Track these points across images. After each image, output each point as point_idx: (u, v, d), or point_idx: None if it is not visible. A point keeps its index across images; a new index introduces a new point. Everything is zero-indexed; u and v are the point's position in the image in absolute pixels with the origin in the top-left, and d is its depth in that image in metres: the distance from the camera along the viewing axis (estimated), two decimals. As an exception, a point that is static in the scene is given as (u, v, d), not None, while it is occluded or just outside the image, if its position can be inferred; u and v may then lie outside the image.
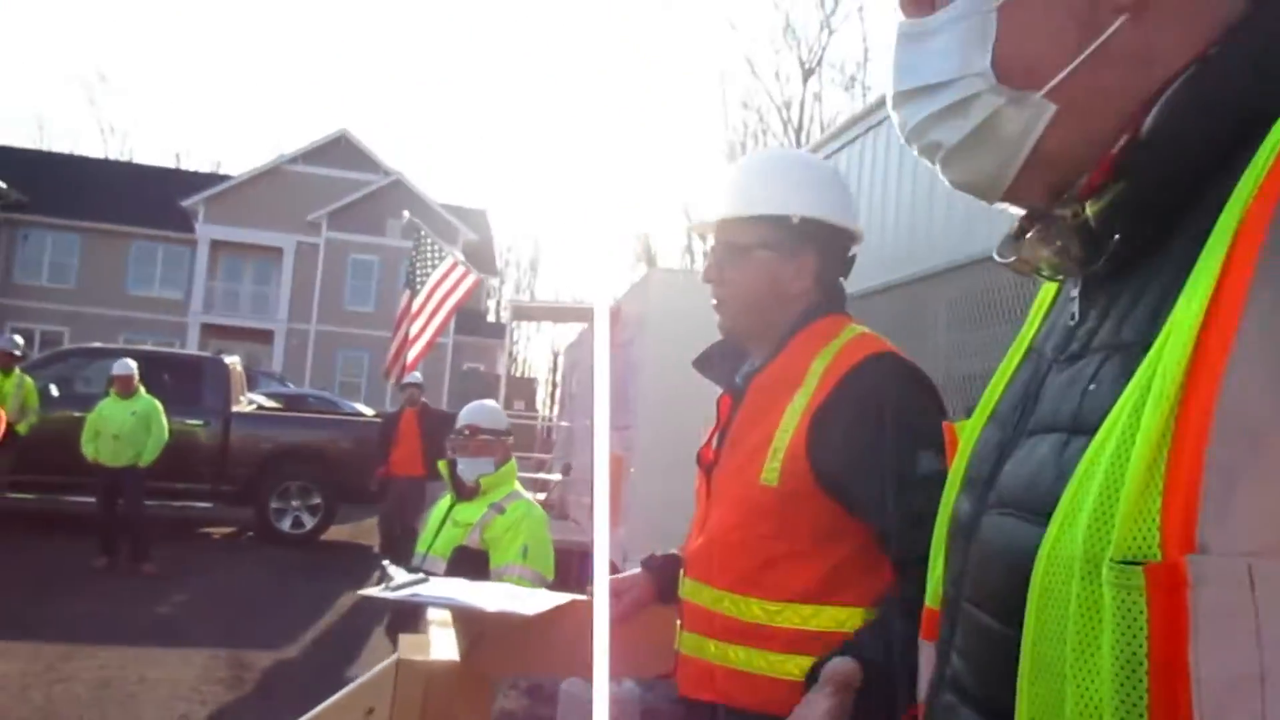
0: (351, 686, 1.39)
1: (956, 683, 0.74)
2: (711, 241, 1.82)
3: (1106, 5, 0.68)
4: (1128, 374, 0.59)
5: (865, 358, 1.61)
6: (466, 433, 3.86)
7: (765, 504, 1.59)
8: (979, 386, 2.55)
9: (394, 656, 1.39)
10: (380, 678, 1.36)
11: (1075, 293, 0.73)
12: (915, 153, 0.78)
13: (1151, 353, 0.57)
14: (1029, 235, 0.77)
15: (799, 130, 30.12)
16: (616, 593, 1.87)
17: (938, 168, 0.76)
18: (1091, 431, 0.60)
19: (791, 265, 1.70)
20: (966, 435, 0.85)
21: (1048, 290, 0.86)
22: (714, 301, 1.78)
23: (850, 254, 1.81)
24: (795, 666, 1.54)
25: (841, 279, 1.82)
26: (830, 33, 38.16)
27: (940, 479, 1.40)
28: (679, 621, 1.74)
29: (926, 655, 0.86)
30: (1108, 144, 0.68)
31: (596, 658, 1.64)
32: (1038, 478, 0.65)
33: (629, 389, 9.67)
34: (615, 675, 1.77)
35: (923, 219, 2.98)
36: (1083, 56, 0.68)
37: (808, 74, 30.83)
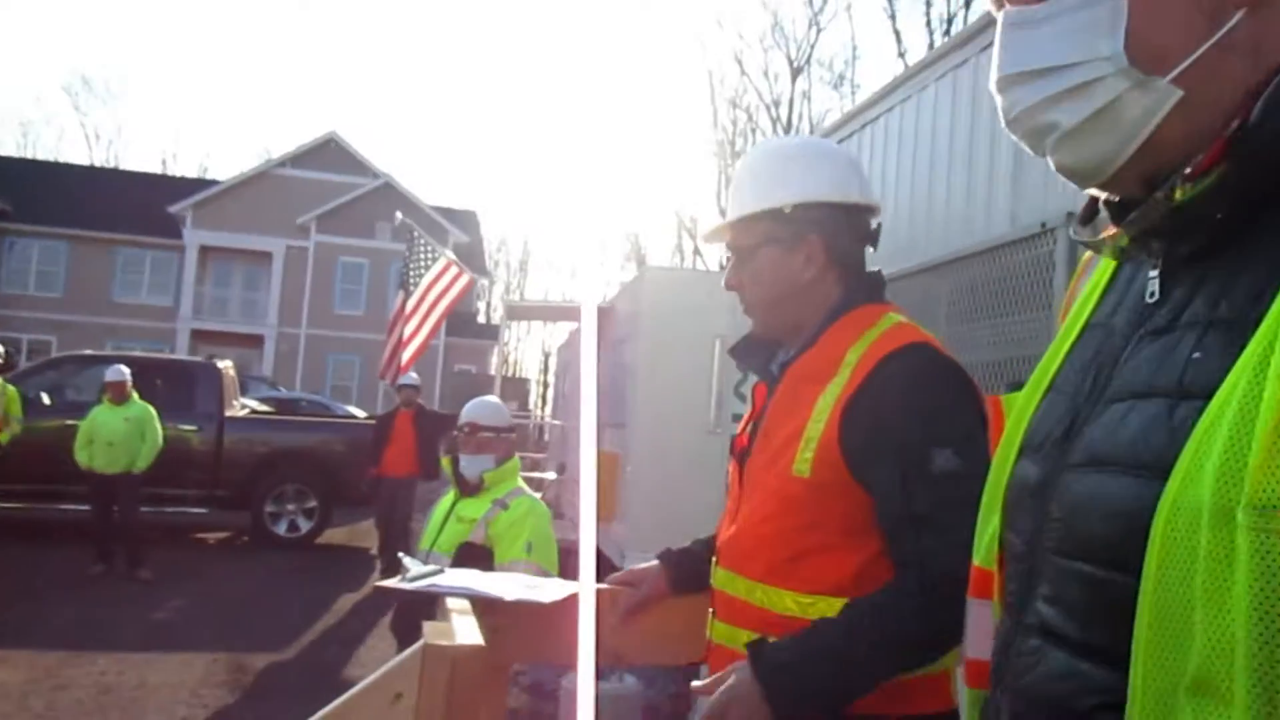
0: (379, 673, 1.42)
1: (1044, 628, 0.78)
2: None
3: (1231, 1, 0.72)
4: (1236, 344, 0.65)
5: (898, 348, 1.58)
6: (466, 430, 3.88)
7: (797, 495, 1.58)
8: (980, 377, 2.59)
9: (421, 642, 1.42)
10: (407, 663, 1.39)
11: (1154, 273, 0.78)
12: (1018, 135, 0.82)
13: (1266, 324, 0.63)
14: (1105, 218, 0.83)
15: (788, 128, 30.20)
16: (633, 582, 1.91)
17: (1048, 148, 0.80)
18: (1201, 396, 0.65)
19: (799, 255, 1.69)
20: (1020, 406, 0.90)
21: (1103, 271, 0.90)
22: (742, 308, 1.78)
23: (871, 225, 1.77)
24: None
25: (869, 250, 1.78)
26: (819, 30, 38.33)
27: (957, 478, 1.46)
28: (711, 610, 1.75)
29: (982, 613, 0.92)
30: (1216, 130, 0.72)
31: (581, 654, 1.66)
32: (1146, 438, 0.70)
33: (623, 387, 9.69)
34: (636, 662, 1.78)
35: (921, 212, 3.01)
36: (1208, 45, 0.72)
37: (796, 72, 30.95)
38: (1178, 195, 0.73)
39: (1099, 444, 0.75)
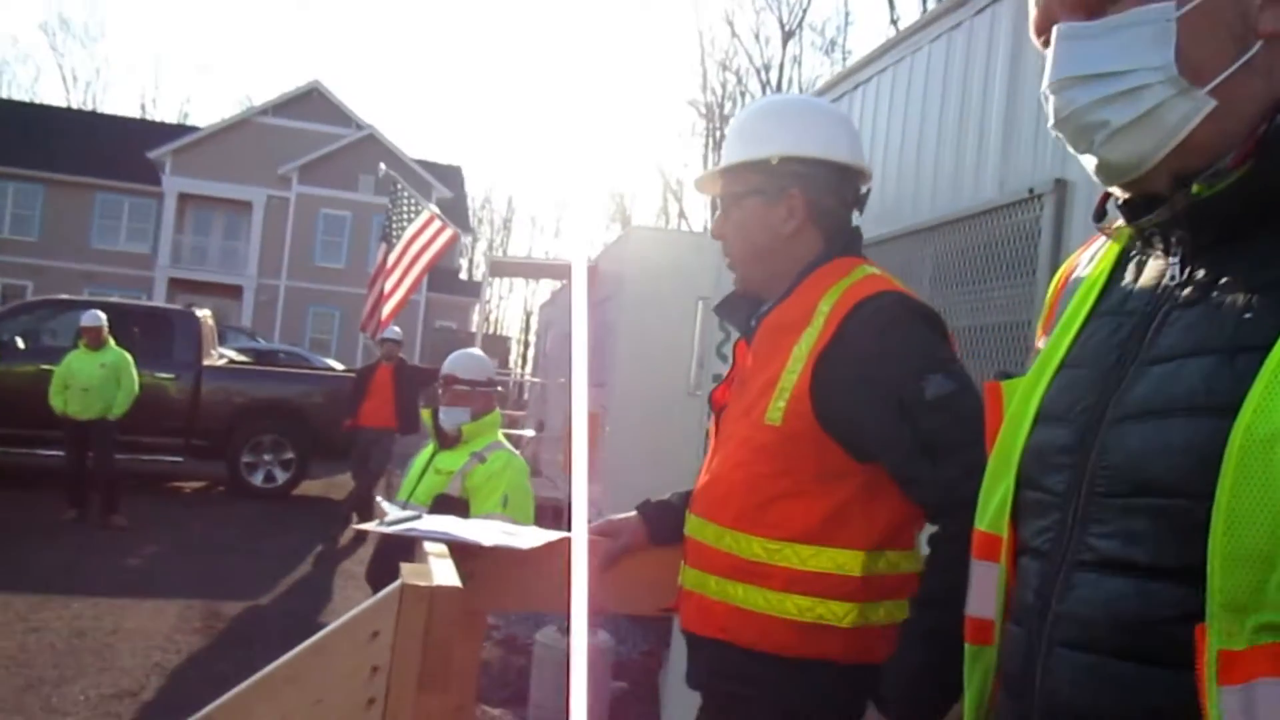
0: (356, 610, 1.42)
1: (1104, 561, 0.89)
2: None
3: (1254, 30, 0.88)
4: None
5: (868, 295, 1.62)
6: (443, 382, 3.88)
7: (768, 443, 1.62)
8: (965, 343, 2.60)
9: (399, 581, 1.43)
10: (385, 602, 1.40)
11: (1175, 259, 0.93)
12: (1067, 132, 0.94)
13: None
14: (1113, 215, 1.00)
15: (778, 91, 29.98)
16: (612, 533, 1.92)
17: (1095, 144, 0.92)
18: (1260, 348, 0.79)
19: (781, 207, 1.72)
20: (1026, 386, 1.04)
21: (1098, 274, 1.05)
22: (726, 260, 1.82)
23: (861, 190, 1.80)
24: (793, 605, 1.58)
25: (855, 213, 1.80)
26: (810, -5, 37.86)
27: (952, 399, 1.52)
28: (683, 557, 1.78)
29: (986, 573, 1.05)
30: (1241, 136, 0.88)
31: (574, 607, 1.68)
32: (1208, 386, 0.83)
33: (604, 347, 9.70)
34: (612, 611, 1.82)
35: (909, 176, 3.01)
36: (1238, 64, 0.88)
37: (787, 36, 30.65)
38: (1196, 190, 0.88)
39: (1151, 398, 0.88)
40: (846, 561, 1.57)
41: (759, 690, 1.61)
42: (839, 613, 1.56)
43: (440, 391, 3.91)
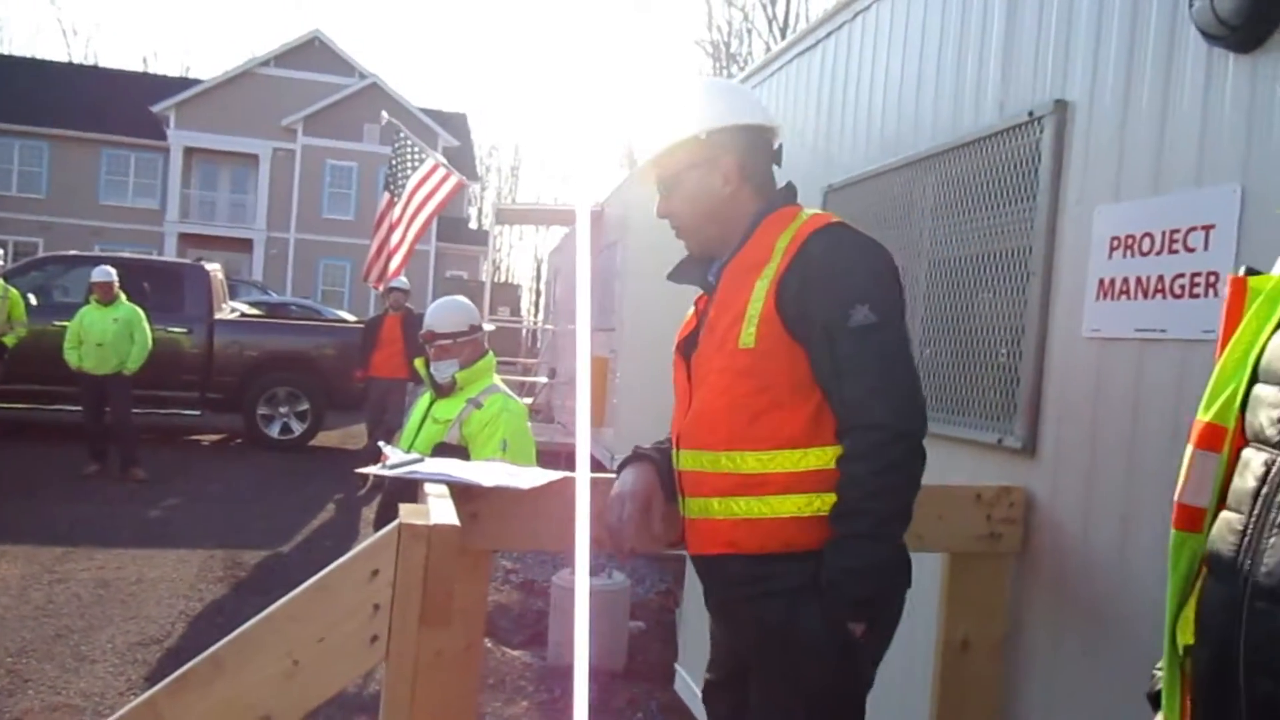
0: (354, 551, 1.44)
1: None
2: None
3: None
4: None
5: (819, 228, 1.86)
6: (425, 337, 3.84)
7: (745, 365, 1.81)
8: (969, 271, 2.58)
9: (396, 521, 1.44)
10: (384, 541, 1.41)
11: None
12: None
13: None
14: None
15: (785, 29, 29.42)
16: (644, 502, 1.93)
17: None
18: None
19: (717, 175, 1.94)
20: (1276, 285, 1.07)
21: None
22: (674, 233, 2.03)
23: (775, 145, 2.03)
24: (792, 504, 1.77)
25: (775, 167, 2.03)
26: (816, -75, 36.94)
27: (873, 330, 1.73)
28: (680, 492, 1.93)
29: (1207, 463, 1.08)
30: None
31: (578, 550, 1.72)
32: None
33: (612, 291, 9.67)
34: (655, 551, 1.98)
35: (909, 104, 2.95)
36: None
37: (792, -32, 29.94)
38: None
39: None
40: (834, 456, 1.77)
41: (767, 586, 1.78)
42: (834, 502, 1.76)
43: (425, 347, 3.87)
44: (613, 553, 1.89)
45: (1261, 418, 1.02)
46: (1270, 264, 1.15)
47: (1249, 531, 0.98)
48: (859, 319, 1.73)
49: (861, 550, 1.70)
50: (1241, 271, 1.12)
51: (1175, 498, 1.11)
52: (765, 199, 1.97)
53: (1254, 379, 1.04)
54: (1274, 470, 0.98)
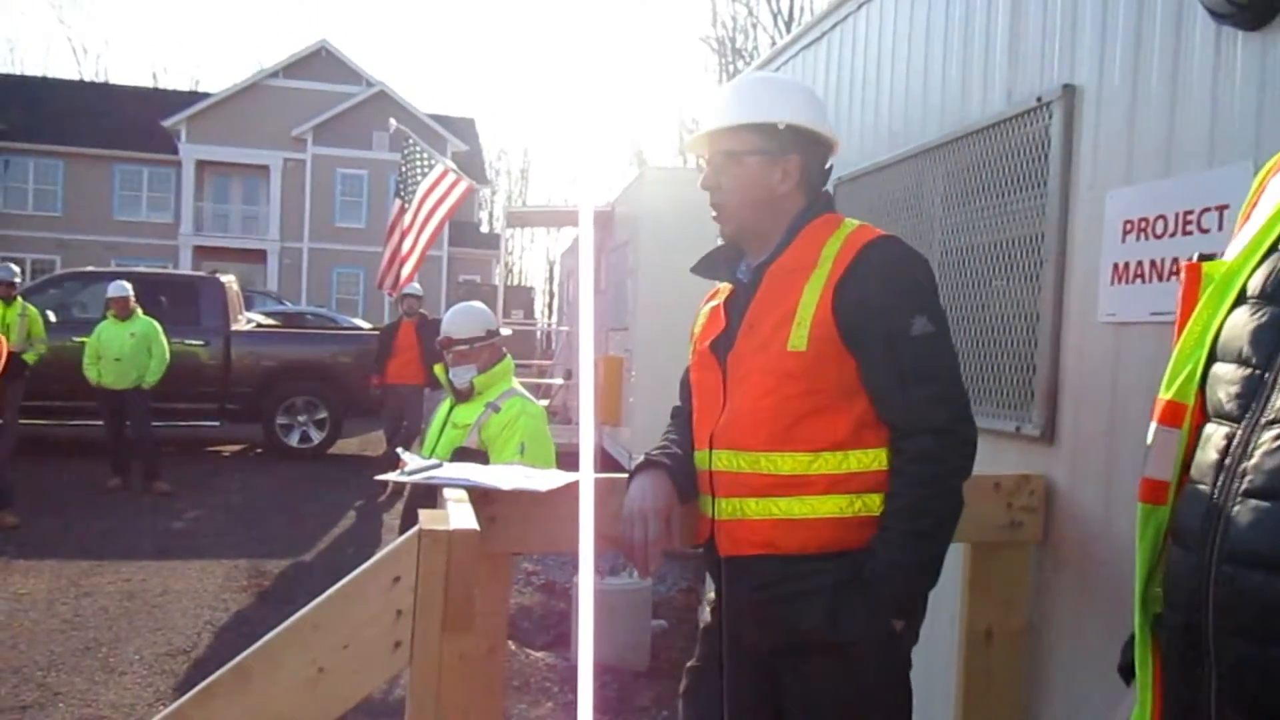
0: (376, 558, 1.45)
1: None
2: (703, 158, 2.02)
3: None
4: None
5: (876, 239, 1.87)
6: (442, 344, 3.86)
7: (794, 368, 1.81)
8: (980, 259, 2.57)
9: (416, 528, 1.45)
10: (404, 548, 1.42)
11: None
12: None
13: None
14: None
15: (789, 23, 29.35)
16: (665, 519, 1.90)
17: None
18: None
19: (779, 168, 1.92)
20: (1232, 269, 1.12)
21: None
22: (713, 211, 1.99)
23: (828, 164, 2.03)
24: (833, 505, 1.80)
25: (824, 186, 2.03)
26: (818, -83, 36.80)
27: (933, 339, 1.78)
28: (710, 493, 1.91)
29: (1168, 439, 1.14)
30: None
31: (583, 548, 1.73)
32: None
33: (625, 291, 9.67)
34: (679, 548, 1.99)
35: (916, 94, 2.94)
36: None
37: (796, -39, 29.84)
38: None
39: None
40: (876, 458, 1.80)
41: (805, 585, 1.79)
42: (875, 503, 1.79)
43: (443, 353, 3.89)
44: (634, 566, 1.90)
45: (1220, 394, 1.07)
46: None
47: (1214, 500, 1.02)
48: (919, 328, 1.78)
49: (918, 547, 1.75)
50: (1195, 258, 1.18)
51: (1142, 473, 1.17)
52: (809, 204, 1.97)
53: (1211, 358, 1.10)
54: (1234, 443, 1.03)
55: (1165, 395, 1.15)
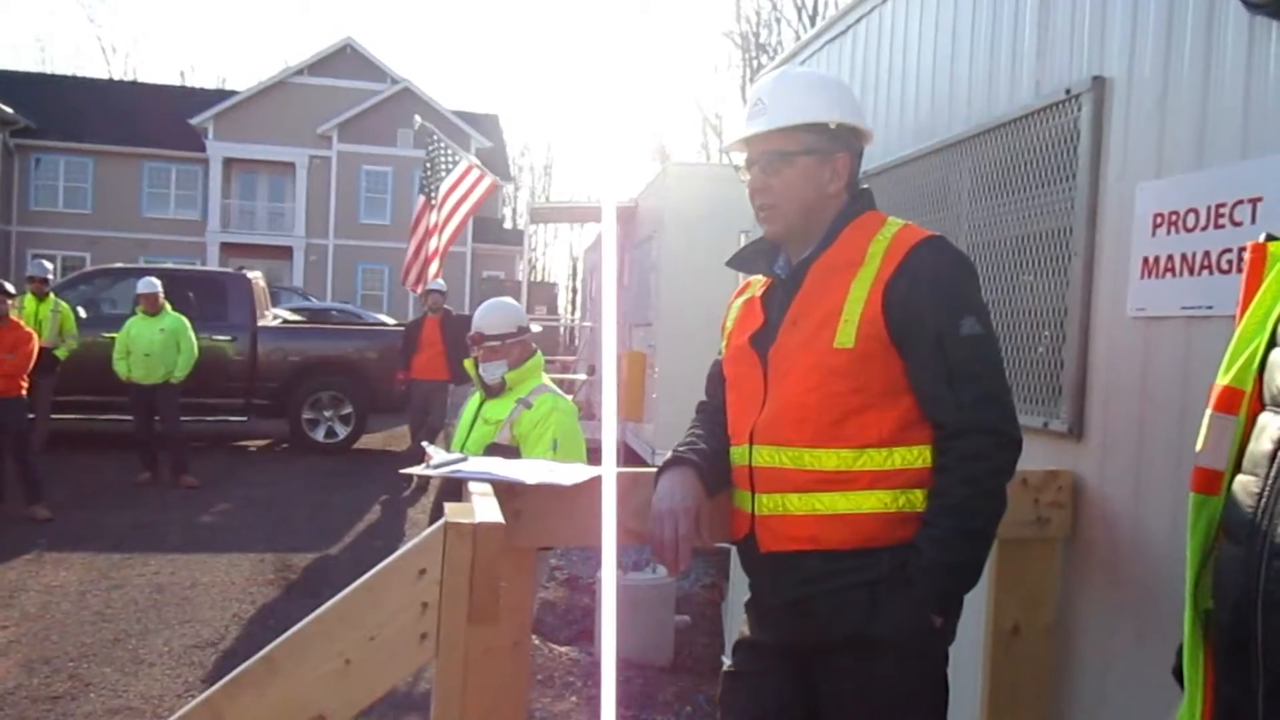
0: (402, 551, 1.46)
1: None
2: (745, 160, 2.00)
3: None
4: None
5: (924, 239, 1.86)
6: (473, 339, 3.87)
7: (841, 365, 1.80)
8: (1008, 253, 2.55)
9: (441, 520, 1.46)
10: (430, 541, 1.43)
11: None
12: None
13: None
14: None
15: (814, 16, 29.20)
16: (694, 517, 1.89)
17: None
18: None
19: (829, 167, 1.92)
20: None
21: None
22: (761, 212, 1.96)
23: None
24: (877, 500, 1.79)
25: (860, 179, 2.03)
26: (843, -90, 36.52)
27: (982, 340, 1.79)
28: (749, 489, 1.89)
29: (1225, 425, 1.09)
30: None
31: (605, 542, 1.73)
32: None
33: (648, 286, 9.66)
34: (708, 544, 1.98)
35: (943, 87, 2.92)
36: None
37: (820, -45, 29.66)
38: None
39: None
40: (921, 455, 1.80)
41: (846, 579, 1.79)
42: (919, 499, 1.79)
43: (473, 349, 3.90)
44: (663, 564, 1.89)
45: (1279, 381, 1.02)
46: None
47: (1265, 494, 0.98)
48: (969, 328, 1.79)
49: (965, 546, 1.75)
50: (1262, 238, 1.11)
51: (1195, 461, 1.12)
52: (851, 200, 1.96)
53: (1272, 343, 1.04)
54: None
55: (1223, 380, 1.11)
